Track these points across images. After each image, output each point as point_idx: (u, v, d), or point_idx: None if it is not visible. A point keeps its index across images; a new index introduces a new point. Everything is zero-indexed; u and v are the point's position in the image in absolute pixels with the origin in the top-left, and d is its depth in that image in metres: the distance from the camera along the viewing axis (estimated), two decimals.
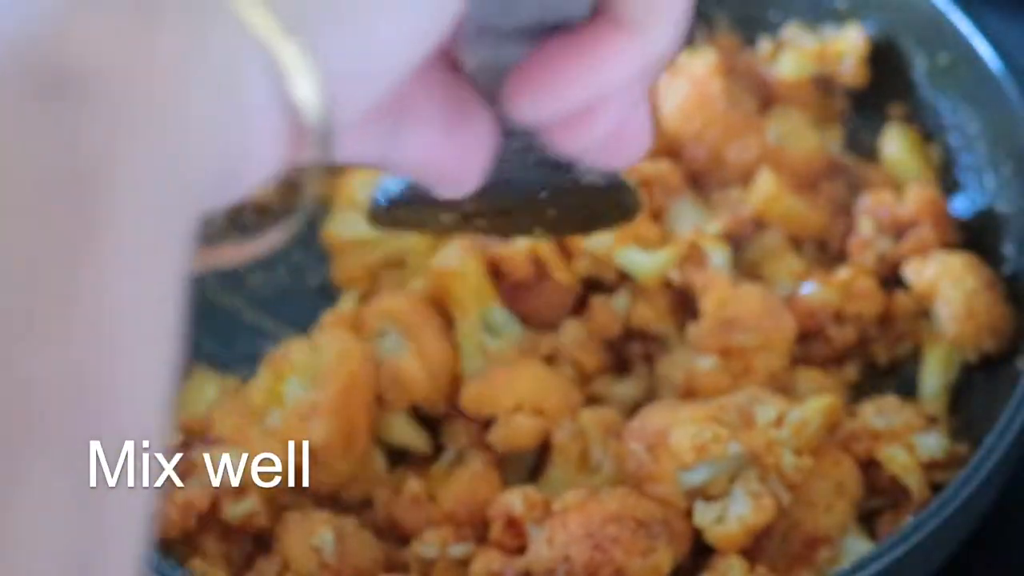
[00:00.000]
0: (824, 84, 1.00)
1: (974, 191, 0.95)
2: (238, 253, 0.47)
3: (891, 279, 0.93)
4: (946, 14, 0.95)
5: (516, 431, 0.86)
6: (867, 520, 0.86)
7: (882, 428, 0.85)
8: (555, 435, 0.86)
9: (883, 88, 0.99)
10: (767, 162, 0.95)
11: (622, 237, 0.90)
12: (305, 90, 0.43)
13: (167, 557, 0.82)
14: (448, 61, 0.53)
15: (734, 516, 0.81)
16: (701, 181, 0.97)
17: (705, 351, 0.88)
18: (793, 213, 0.94)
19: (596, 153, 0.56)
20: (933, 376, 0.91)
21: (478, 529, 0.85)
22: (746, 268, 0.94)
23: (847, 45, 0.98)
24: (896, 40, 0.99)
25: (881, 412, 0.86)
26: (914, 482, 0.84)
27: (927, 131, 0.98)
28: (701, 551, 0.83)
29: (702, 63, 0.96)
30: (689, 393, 0.87)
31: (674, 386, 0.89)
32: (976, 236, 0.94)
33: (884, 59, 0.99)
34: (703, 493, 0.82)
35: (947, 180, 0.96)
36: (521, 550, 0.81)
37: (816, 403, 0.84)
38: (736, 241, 0.94)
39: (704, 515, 0.81)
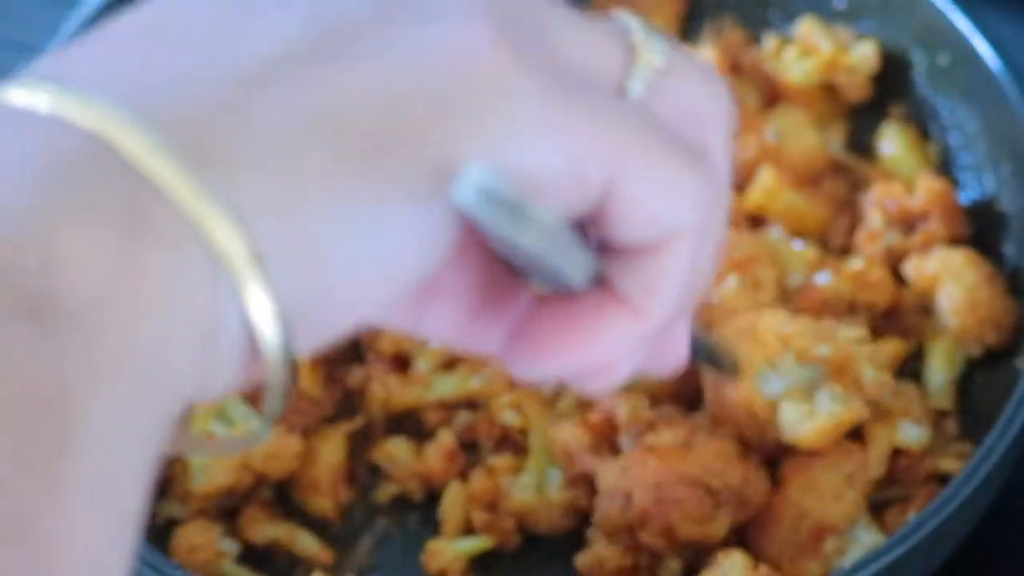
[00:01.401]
0: (829, 86, 0.99)
1: (974, 190, 0.95)
2: (218, 446, 0.49)
3: (896, 274, 0.93)
4: (946, 14, 0.95)
5: None
6: (884, 510, 0.86)
7: (883, 404, 0.86)
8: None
9: (883, 88, 0.99)
10: (767, 160, 0.95)
11: None
12: (269, 330, 0.43)
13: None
14: (480, 240, 0.51)
15: (824, 412, 0.81)
16: None
17: (718, 279, 0.89)
18: (793, 208, 0.94)
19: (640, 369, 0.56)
20: (938, 371, 0.91)
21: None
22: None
23: (858, 60, 0.98)
24: (895, 40, 0.99)
25: (894, 391, 0.87)
26: (874, 456, 0.85)
27: (927, 130, 0.98)
28: (701, 551, 0.83)
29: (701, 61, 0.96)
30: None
31: None
32: (976, 235, 0.94)
33: (883, 59, 0.98)
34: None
35: (947, 179, 0.96)
36: (604, 448, 0.82)
37: (887, 347, 0.86)
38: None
39: (789, 413, 0.81)
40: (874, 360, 0.83)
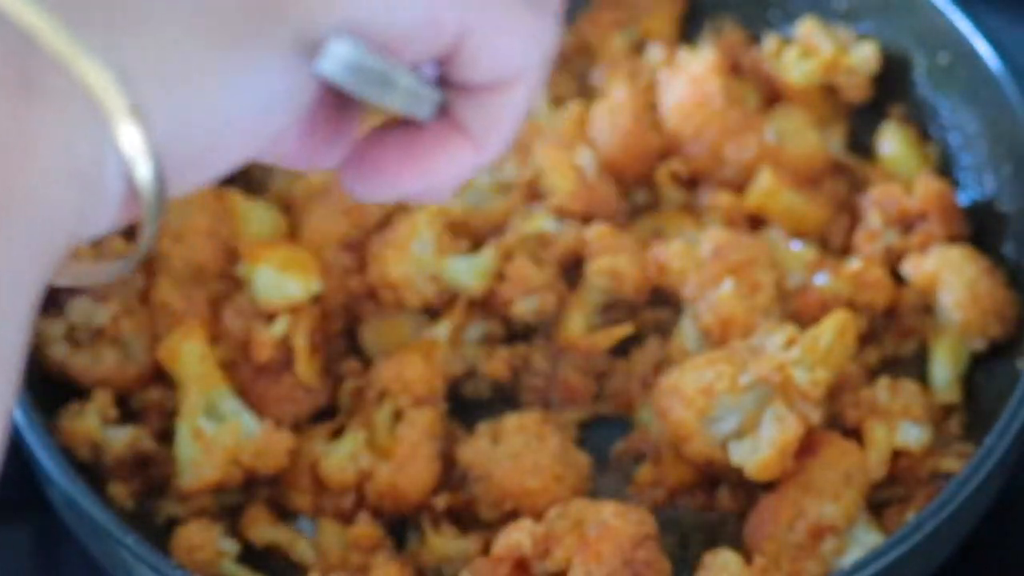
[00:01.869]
0: (829, 87, 1.00)
1: (974, 191, 0.95)
2: (89, 275, 0.54)
3: (895, 274, 0.93)
4: (946, 14, 0.95)
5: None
6: (884, 510, 0.86)
7: (882, 404, 0.86)
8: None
9: (883, 88, 0.99)
10: (766, 161, 0.95)
11: None
12: (145, 171, 0.48)
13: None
14: None
15: (765, 442, 0.82)
16: (701, 180, 0.97)
17: (716, 282, 0.89)
18: (792, 208, 0.94)
19: None
20: (943, 368, 0.91)
21: None
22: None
23: (859, 61, 0.98)
24: (896, 40, 0.99)
25: (892, 391, 0.87)
26: (874, 458, 0.85)
27: (927, 131, 0.98)
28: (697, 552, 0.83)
29: (701, 62, 0.97)
30: (723, 327, 0.88)
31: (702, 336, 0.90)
32: (976, 236, 0.94)
33: (884, 59, 0.99)
34: (739, 437, 0.84)
35: (947, 179, 0.96)
36: None
37: (828, 321, 0.85)
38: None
39: (738, 452, 0.83)
40: (811, 354, 0.83)
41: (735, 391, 0.83)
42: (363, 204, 0.92)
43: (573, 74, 1.03)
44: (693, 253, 0.90)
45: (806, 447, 0.84)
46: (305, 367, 0.89)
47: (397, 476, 0.86)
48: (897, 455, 0.87)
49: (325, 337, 0.92)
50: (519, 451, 0.86)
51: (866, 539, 0.83)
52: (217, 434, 0.86)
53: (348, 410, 0.90)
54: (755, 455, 0.83)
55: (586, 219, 0.94)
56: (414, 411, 0.87)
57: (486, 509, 0.86)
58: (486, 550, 0.84)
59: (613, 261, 0.91)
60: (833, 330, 0.85)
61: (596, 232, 0.92)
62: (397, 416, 0.88)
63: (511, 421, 0.87)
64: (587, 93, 1.01)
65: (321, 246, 0.92)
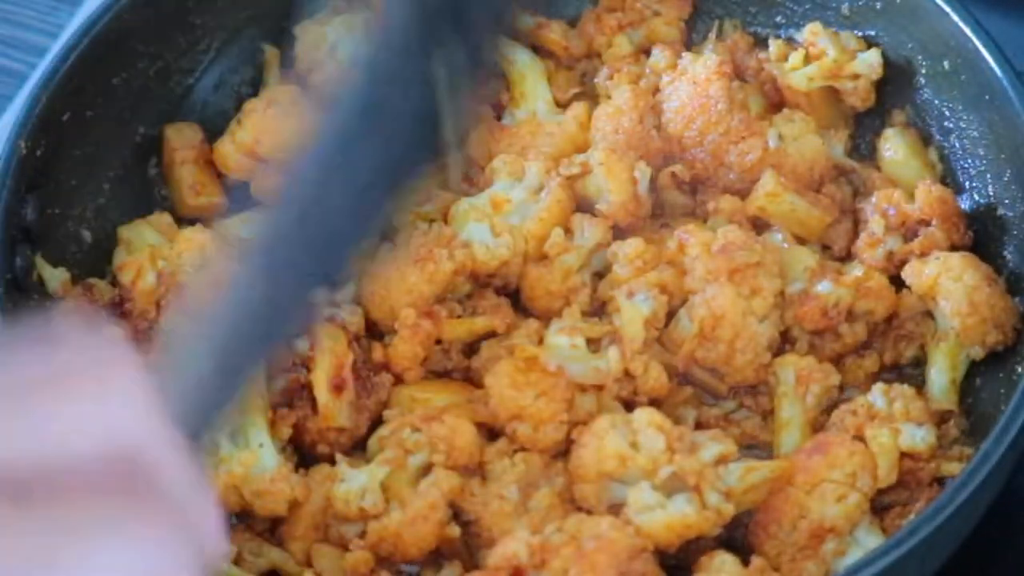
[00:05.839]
0: (832, 92, 1.00)
1: (975, 195, 0.95)
2: None
3: (896, 279, 0.93)
4: (949, 20, 0.95)
5: None
6: (885, 512, 0.87)
7: (880, 409, 0.86)
8: None
9: (886, 93, 0.99)
10: (769, 165, 0.95)
11: None
12: None
13: None
14: None
15: (677, 510, 0.82)
16: (703, 184, 0.97)
17: (717, 277, 0.89)
18: (794, 211, 0.94)
19: None
20: (941, 373, 0.91)
21: None
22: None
23: (863, 67, 0.98)
24: (899, 46, 0.99)
25: (889, 396, 0.87)
26: (884, 464, 0.85)
27: (929, 135, 0.98)
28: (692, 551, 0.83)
29: (704, 66, 0.96)
30: (714, 322, 0.89)
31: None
32: (977, 240, 0.94)
33: (887, 64, 0.99)
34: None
35: (948, 184, 0.96)
36: None
37: (768, 465, 0.85)
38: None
39: (640, 496, 0.82)
40: (742, 480, 0.83)
41: (650, 476, 0.83)
42: (440, 271, 0.92)
43: (577, 76, 1.03)
44: (709, 245, 0.90)
45: (815, 447, 0.84)
46: (333, 411, 0.89)
47: (405, 529, 0.84)
48: (902, 457, 0.86)
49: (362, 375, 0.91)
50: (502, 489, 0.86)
51: (867, 541, 0.83)
52: (229, 457, 0.86)
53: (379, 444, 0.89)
54: (661, 512, 0.82)
55: (618, 229, 0.95)
56: (443, 472, 0.86)
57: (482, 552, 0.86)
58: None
59: (660, 276, 0.92)
60: (770, 473, 0.84)
61: (632, 249, 0.93)
62: (426, 469, 0.87)
63: (489, 450, 0.87)
64: (591, 95, 1.01)
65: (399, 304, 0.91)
